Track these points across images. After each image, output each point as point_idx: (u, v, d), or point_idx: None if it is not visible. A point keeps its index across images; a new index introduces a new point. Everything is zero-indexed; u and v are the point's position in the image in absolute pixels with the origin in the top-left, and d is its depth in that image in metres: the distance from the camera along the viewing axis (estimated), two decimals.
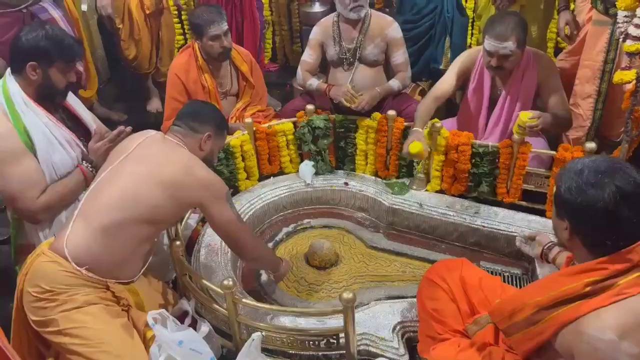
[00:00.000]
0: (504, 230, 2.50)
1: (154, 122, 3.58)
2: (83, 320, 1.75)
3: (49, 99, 2.03)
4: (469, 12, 3.78)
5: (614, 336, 1.21)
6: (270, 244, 2.70)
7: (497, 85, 2.72)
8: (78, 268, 1.76)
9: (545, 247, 1.91)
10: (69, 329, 1.75)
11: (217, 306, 2.07)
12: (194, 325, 2.06)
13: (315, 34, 3.02)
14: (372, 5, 3.81)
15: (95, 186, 1.88)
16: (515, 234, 2.44)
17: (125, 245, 1.84)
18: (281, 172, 2.99)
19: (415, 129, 2.63)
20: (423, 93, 3.45)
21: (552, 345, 1.35)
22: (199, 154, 1.99)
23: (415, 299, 2.01)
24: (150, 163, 1.87)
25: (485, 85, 2.72)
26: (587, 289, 1.29)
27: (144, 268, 2.00)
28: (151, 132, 2.02)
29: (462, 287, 1.81)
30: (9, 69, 2.01)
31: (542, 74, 2.61)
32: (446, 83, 2.75)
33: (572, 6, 2.98)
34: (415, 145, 2.52)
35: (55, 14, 2.94)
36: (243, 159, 2.83)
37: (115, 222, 1.79)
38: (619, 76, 2.11)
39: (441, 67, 3.60)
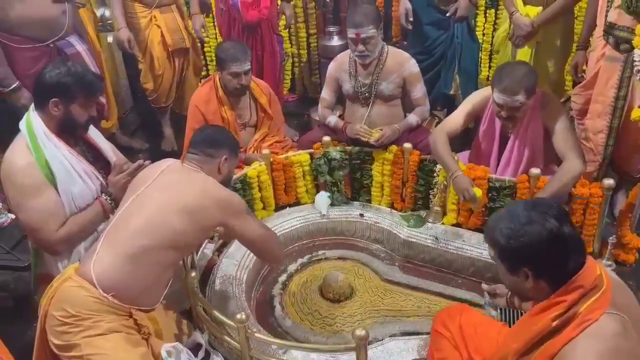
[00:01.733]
0: None
1: (177, 151, 3.65)
2: (105, 347, 1.77)
3: (70, 132, 2.08)
4: (486, 46, 3.80)
5: None
6: (284, 276, 2.71)
7: (509, 128, 2.66)
8: (104, 294, 1.79)
9: (508, 296, 1.89)
10: (90, 354, 1.76)
11: (230, 339, 2.07)
12: (207, 358, 2.06)
13: (331, 69, 3.08)
14: (389, 39, 3.87)
15: (120, 214, 1.92)
16: None
17: (152, 271, 1.88)
18: (297, 203, 3.01)
19: (457, 175, 2.54)
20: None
21: None
22: (218, 177, 2.05)
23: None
24: (172, 190, 1.92)
25: (496, 128, 2.69)
26: (554, 323, 1.32)
27: (163, 296, 2.03)
28: (170, 161, 2.08)
29: (461, 334, 1.81)
30: (33, 104, 2.07)
31: (546, 117, 2.54)
32: (455, 121, 2.73)
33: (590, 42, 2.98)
34: (478, 191, 2.51)
35: (81, 48, 3.02)
36: (260, 190, 2.86)
37: (142, 248, 1.83)
38: (637, 113, 2.10)
39: (451, 92, 3.61)
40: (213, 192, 1.95)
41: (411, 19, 3.50)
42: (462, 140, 3.23)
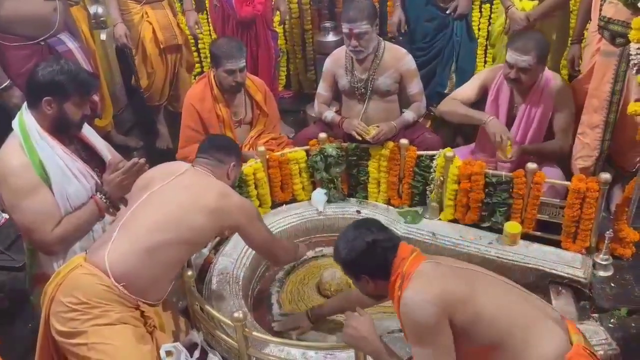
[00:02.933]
0: (519, 262, 2.47)
1: (173, 149, 3.62)
2: (113, 338, 1.79)
3: (63, 131, 2.06)
4: (482, 40, 3.78)
5: (411, 295, 1.57)
6: (281, 273, 2.70)
7: (515, 102, 2.78)
8: (116, 284, 1.82)
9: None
10: (97, 343, 1.78)
11: (227, 338, 2.06)
12: (203, 357, 2.06)
13: (328, 65, 3.06)
14: (384, 35, 3.85)
15: (135, 208, 1.96)
16: (530, 265, 2.43)
17: (163, 266, 1.93)
18: (293, 200, 3.00)
19: (490, 119, 2.71)
20: (435, 120, 3.46)
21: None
22: (227, 182, 2.14)
23: None
24: (192, 190, 2.00)
25: (503, 100, 2.79)
26: (399, 293, 1.63)
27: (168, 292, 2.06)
28: (184, 164, 2.16)
29: None
30: (25, 103, 2.05)
31: (558, 100, 2.70)
32: (467, 91, 2.91)
33: (584, 36, 2.98)
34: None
35: (72, 45, 3.00)
36: (256, 187, 2.85)
37: (158, 242, 1.88)
38: (633, 107, 2.10)
39: (446, 91, 3.59)
40: (232, 196, 2.05)
41: (404, 30, 3.54)
42: (463, 135, 3.24)
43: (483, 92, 2.88)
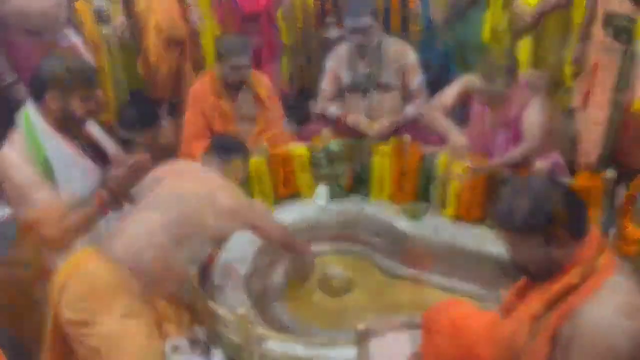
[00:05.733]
0: None
1: (175, 144, 3.61)
2: (123, 330, 1.80)
3: (67, 126, 2.05)
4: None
5: (612, 315, 1.27)
6: (283, 269, 2.69)
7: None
8: (129, 274, 1.85)
9: None
10: (107, 334, 1.79)
11: (229, 334, 2.06)
12: (206, 352, 2.06)
13: (330, 60, 3.07)
14: (388, 31, 3.83)
15: (150, 203, 2.01)
16: None
17: (175, 261, 1.98)
18: (296, 196, 2.99)
19: (452, 139, 2.68)
20: None
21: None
22: (235, 182, 2.23)
23: None
24: (205, 190, 2.07)
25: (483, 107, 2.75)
26: (577, 280, 1.34)
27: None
28: (195, 164, 2.28)
29: (454, 328, 1.72)
30: (30, 98, 2.04)
31: (525, 100, 2.64)
32: (448, 98, 2.83)
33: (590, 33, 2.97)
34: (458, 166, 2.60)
35: (76, 40, 3.00)
36: (258, 183, 2.85)
37: (172, 238, 1.94)
38: (639, 104, 2.09)
39: None
40: (243, 197, 2.17)
41: None
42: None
43: (463, 98, 2.82)
